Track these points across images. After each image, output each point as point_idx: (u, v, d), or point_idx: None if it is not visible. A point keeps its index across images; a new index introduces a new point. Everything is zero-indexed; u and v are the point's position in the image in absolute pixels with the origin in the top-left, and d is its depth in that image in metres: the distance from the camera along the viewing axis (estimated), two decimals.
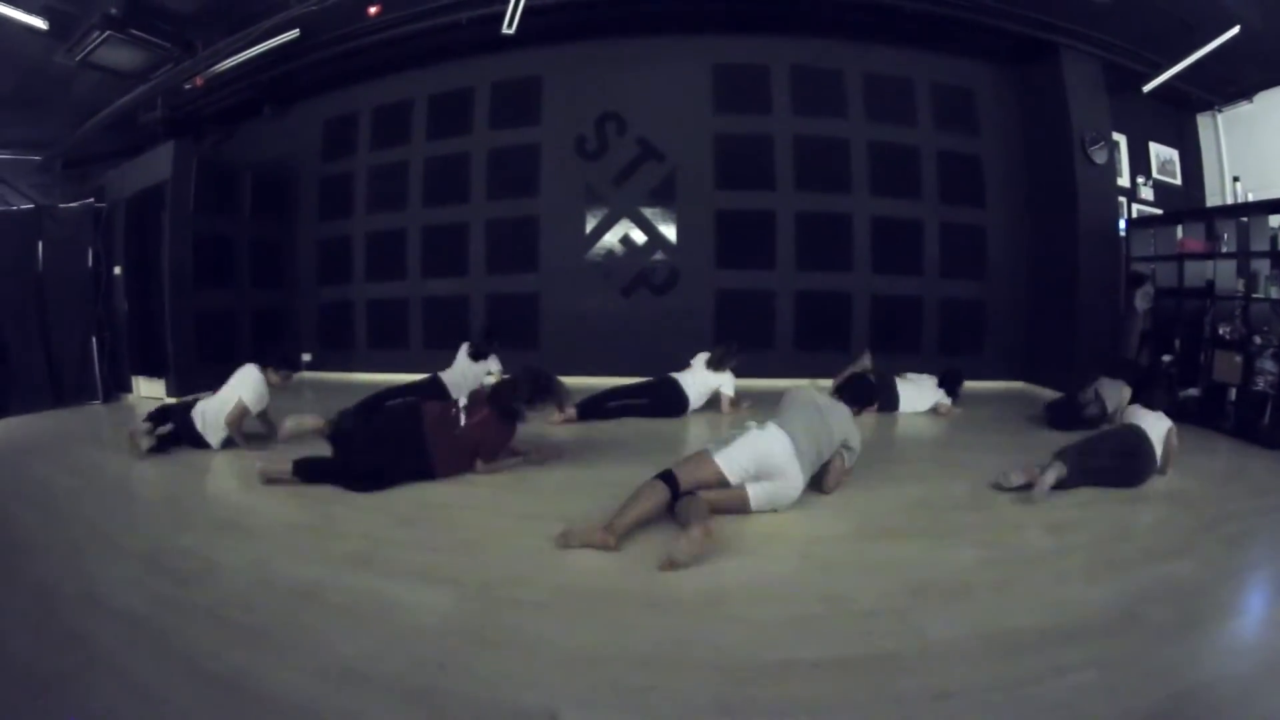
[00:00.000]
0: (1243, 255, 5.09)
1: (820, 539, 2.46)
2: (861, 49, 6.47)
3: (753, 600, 1.99)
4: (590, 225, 6.52)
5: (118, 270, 6.53)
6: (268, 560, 2.32)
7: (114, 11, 4.77)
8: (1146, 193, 7.01)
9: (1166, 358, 5.58)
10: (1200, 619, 1.94)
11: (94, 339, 6.52)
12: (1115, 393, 4.64)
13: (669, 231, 6.46)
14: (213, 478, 3.57)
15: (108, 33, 4.86)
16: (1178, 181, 7.24)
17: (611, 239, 6.50)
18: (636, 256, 6.49)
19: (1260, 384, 4.67)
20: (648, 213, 6.47)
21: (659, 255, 6.48)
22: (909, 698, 1.53)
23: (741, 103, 6.43)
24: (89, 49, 5.02)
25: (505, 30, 5.04)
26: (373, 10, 5.10)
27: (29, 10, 4.71)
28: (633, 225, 6.48)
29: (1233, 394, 5.00)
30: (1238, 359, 4.84)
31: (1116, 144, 6.49)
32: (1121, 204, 6.65)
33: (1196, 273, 5.53)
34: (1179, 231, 5.78)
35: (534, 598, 2.02)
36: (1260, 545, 2.64)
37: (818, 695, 1.54)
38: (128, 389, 6.65)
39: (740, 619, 1.87)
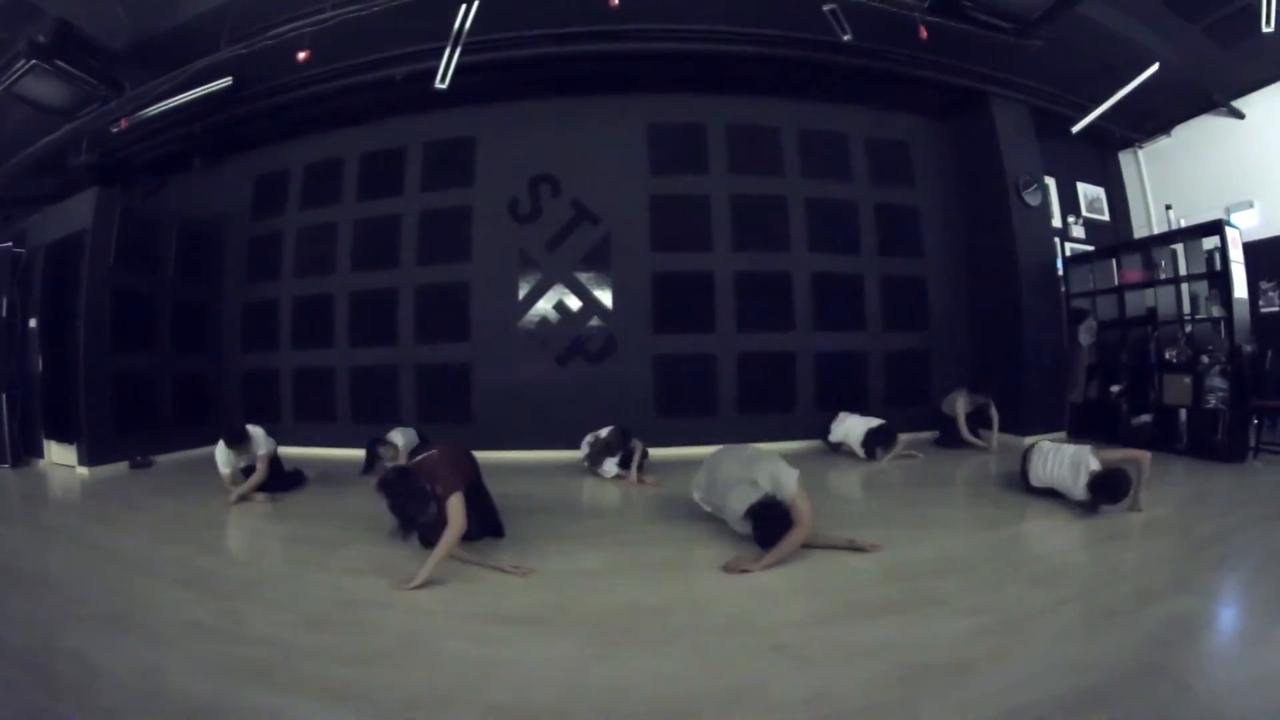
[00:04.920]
0: (1181, 280, 5.29)
1: (790, 624, 2.22)
2: (796, 106, 6.51)
3: (727, 710, 1.72)
4: (523, 291, 6.27)
5: (33, 323, 6.10)
6: (158, 668, 2.03)
7: (41, 39, 4.42)
8: (1078, 230, 7.25)
9: (1115, 388, 5.72)
10: (1218, 655, 1.85)
11: (4, 397, 6.03)
12: (950, 402, 5.81)
13: (604, 297, 6.25)
14: (115, 561, 3.24)
15: (33, 62, 4.50)
16: (1106, 218, 7.54)
17: (545, 305, 6.26)
18: (571, 323, 6.24)
19: (1211, 401, 4.81)
20: (582, 277, 6.27)
21: (595, 321, 6.24)
22: None
23: (677, 163, 6.34)
24: (13, 78, 4.65)
25: (438, 85, 4.91)
26: (302, 55, 4.93)
27: None
28: (567, 291, 6.26)
29: (1183, 415, 5.14)
30: (1187, 380, 5.00)
31: (1046, 186, 6.67)
32: (1055, 244, 6.81)
33: (1136, 302, 5.76)
34: (1114, 264, 5.98)
35: None
36: (1251, 561, 2.58)
37: None
38: (39, 454, 6.16)
39: None
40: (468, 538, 2.93)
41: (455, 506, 2.75)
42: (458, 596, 2.64)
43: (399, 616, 2.43)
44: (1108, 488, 3.27)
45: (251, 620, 2.45)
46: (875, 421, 5.38)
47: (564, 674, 1.96)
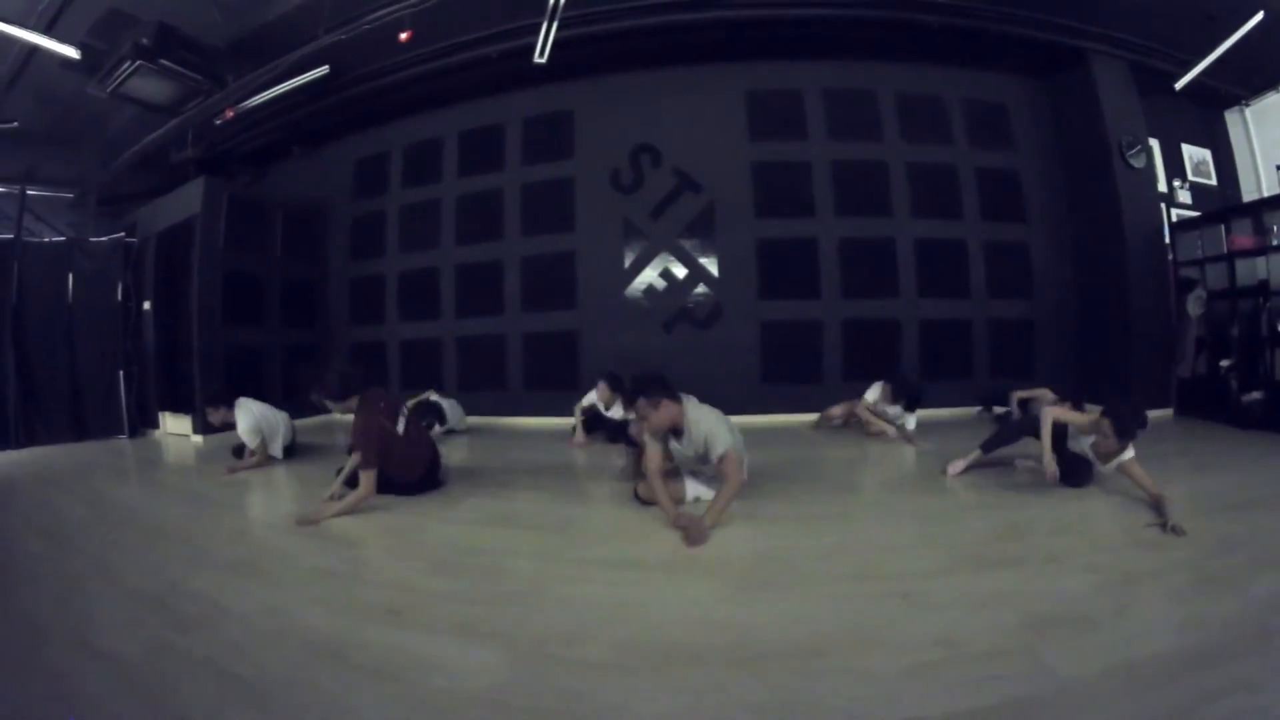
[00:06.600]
0: None
1: (916, 574, 2.27)
2: (891, 69, 6.39)
3: (858, 649, 1.77)
4: (629, 260, 6.39)
5: (147, 305, 6.58)
6: (284, 607, 2.10)
7: (145, 42, 4.73)
8: (1184, 195, 6.87)
9: (1225, 363, 5.38)
10: None
11: (121, 373, 6.56)
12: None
13: (710, 264, 6.31)
14: (236, 514, 3.47)
15: (139, 63, 4.81)
16: (1213, 182, 7.11)
17: (651, 273, 6.36)
18: (678, 290, 6.33)
19: None
20: (688, 245, 6.34)
21: (701, 288, 6.31)
22: None
23: (777, 129, 6.32)
24: (120, 79, 4.98)
25: (537, 59, 4.99)
26: (404, 36, 5.08)
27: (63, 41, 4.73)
28: (672, 258, 6.34)
29: None
30: None
31: (1150, 148, 6.33)
32: (1161, 209, 6.48)
33: (1248, 271, 5.39)
34: (1223, 231, 5.62)
35: (599, 657, 1.76)
36: None
37: None
38: (154, 425, 6.66)
39: (847, 672, 1.65)
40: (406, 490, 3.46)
41: (367, 480, 3.23)
42: (582, 544, 2.76)
43: (525, 563, 2.51)
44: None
45: (376, 566, 2.58)
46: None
47: (695, 614, 2.01)
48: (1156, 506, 2.84)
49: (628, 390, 4.99)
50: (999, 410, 5.43)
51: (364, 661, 1.74)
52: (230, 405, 4.61)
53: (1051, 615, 1.93)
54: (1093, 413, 3.23)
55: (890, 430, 5.05)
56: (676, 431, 3.06)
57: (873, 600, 2.08)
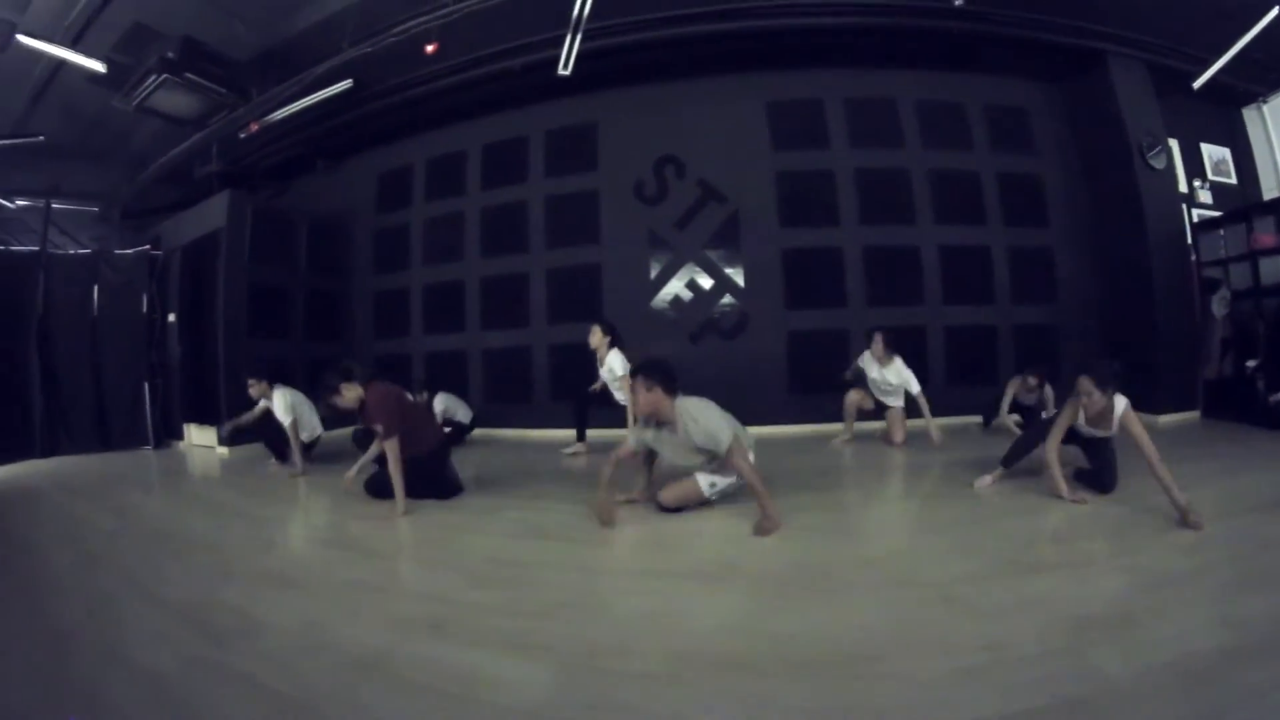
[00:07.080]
0: None
1: (954, 579, 2.29)
2: (911, 76, 6.40)
3: (906, 655, 1.78)
4: (654, 271, 6.42)
5: (172, 317, 6.68)
6: (321, 621, 2.08)
7: (170, 55, 4.83)
8: (1205, 195, 6.81)
9: (1251, 363, 5.34)
10: None
11: (146, 385, 6.66)
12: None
13: (736, 274, 6.32)
14: (266, 527, 3.47)
15: (164, 76, 4.91)
16: (1233, 180, 7.05)
17: (678, 284, 6.38)
18: (704, 301, 6.34)
19: None
20: (713, 255, 6.36)
21: (727, 299, 6.32)
22: None
23: (799, 139, 6.34)
24: (145, 93, 5.09)
25: (561, 71, 5.05)
26: (430, 48, 5.13)
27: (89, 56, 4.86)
28: (698, 269, 6.36)
29: None
30: None
31: (1170, 149, 6.31)
32: (1183, 210, 6.43)
33: (1272, 270, 5.38)
34: (1246, 230, 5.61)
35: (649, 668, 1.75)
36: None
37: None
38: (179, 436, 6.73)
39: (899, 677, 1.67)
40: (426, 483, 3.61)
41: (392, 447, 3.38)
42: (618, 555, 2.79)
43: (566, 576, 2.49)
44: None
45: (413, 579, 2.60)
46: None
47: (741, 623, 2.02)
48: (1166, 492, 2.80)
49: (617, 334, 5.09)
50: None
51: (406, 676, 1.73)
52: (273, 382, 4.99)
53: (1094, 617, 1.95)
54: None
55: (898, 431, 5.00)
56: (660, 423, 3.11)
57: (916, 606, 2.09)
